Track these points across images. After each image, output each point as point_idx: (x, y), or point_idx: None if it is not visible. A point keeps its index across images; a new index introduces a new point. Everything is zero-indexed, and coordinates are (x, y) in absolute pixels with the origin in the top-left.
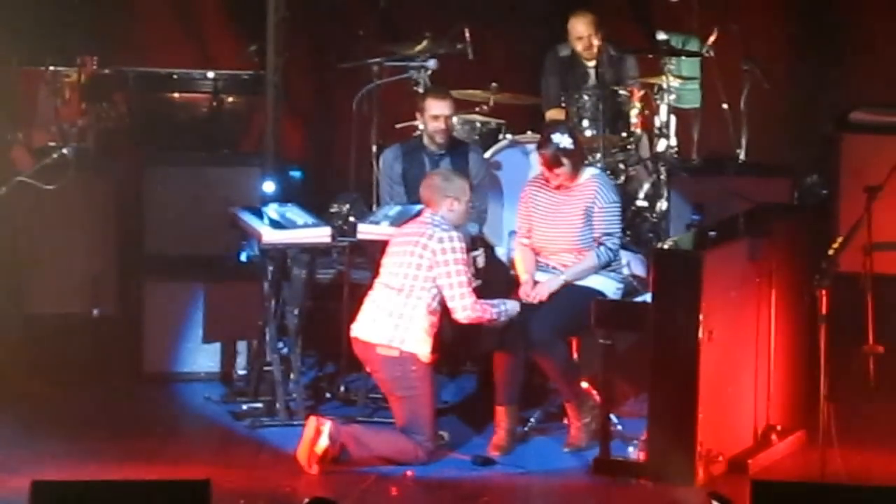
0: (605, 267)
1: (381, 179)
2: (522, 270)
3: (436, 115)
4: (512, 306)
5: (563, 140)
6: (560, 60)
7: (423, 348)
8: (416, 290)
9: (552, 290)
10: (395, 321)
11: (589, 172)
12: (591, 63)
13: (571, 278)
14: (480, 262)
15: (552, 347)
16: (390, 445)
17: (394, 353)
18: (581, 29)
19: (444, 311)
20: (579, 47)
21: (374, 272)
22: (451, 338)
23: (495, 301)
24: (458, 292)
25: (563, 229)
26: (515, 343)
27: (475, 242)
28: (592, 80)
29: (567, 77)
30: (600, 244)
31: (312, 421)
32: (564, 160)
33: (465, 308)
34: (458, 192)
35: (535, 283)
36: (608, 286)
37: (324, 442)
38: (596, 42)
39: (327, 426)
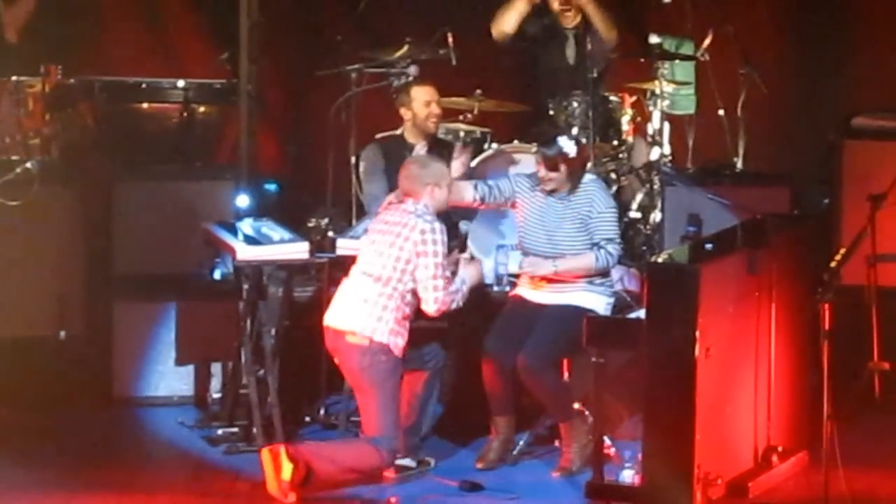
0: (602, 273)
1: (363, 178)
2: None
3: (428, 100)
4: (469, 276)
5: (568, 146)
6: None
7: (395, 339)
8: (394, 280)
9: (540, 273)
10: (368, 309)
11: (584, 178)
12: (571, 27)
13: (562, 270)
14: (463, 264)
15: (543, 375)
16: (351, 452)
17: (364, 342)
18: None
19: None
20: (556, 5)
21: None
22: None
23: (455, 283)
24: (431, 285)
25: (556, 239)
26: (502, 353)
27: (464, 243)
28: (572, 47)
29: (543, 37)
30: (600, 248)
31: (266, 453)
32: (563, 167)
33: (437, 301)
34: (437, 178)
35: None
36: (598, 302)
37: (287, 467)
38: (576, 2)
39: (282, 450)
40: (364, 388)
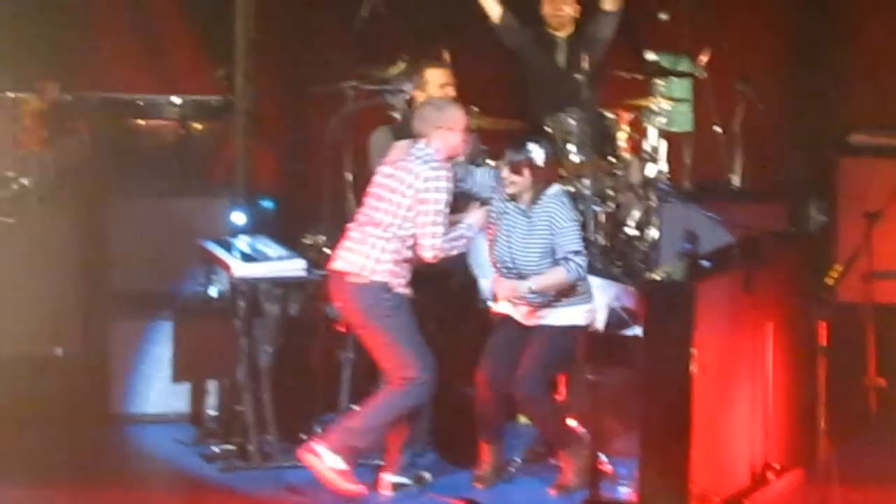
0: (573, 287)
1: (372, 160)
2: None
3: (444, 83)
4: (476, 221)
5: (536, 153)
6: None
7: (394, 279)
8: (394, 226)
9: (517, 293)
10: (367, 250)
11: (547, 191)
12: (562, 34)
13: (538, 288)
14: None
15: (540, 404)
16: (383, 410)
17: (364, 280)
18: None
19: None
20: (548, 8)
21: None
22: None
23: (458, 229)
24: (430, 231)
25: (517, 257)
26: (498, 383)
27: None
28: (563, 56)
29: (531, 47)
30: (568, 261)
31: (309, 457)
32: (525, 173)
33: (434, 248)
34: (451, 122)
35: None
36: (576, 315)
37: (333, 459)
38: (569, 10)
39: (322, 447)
40: (373, 330)
